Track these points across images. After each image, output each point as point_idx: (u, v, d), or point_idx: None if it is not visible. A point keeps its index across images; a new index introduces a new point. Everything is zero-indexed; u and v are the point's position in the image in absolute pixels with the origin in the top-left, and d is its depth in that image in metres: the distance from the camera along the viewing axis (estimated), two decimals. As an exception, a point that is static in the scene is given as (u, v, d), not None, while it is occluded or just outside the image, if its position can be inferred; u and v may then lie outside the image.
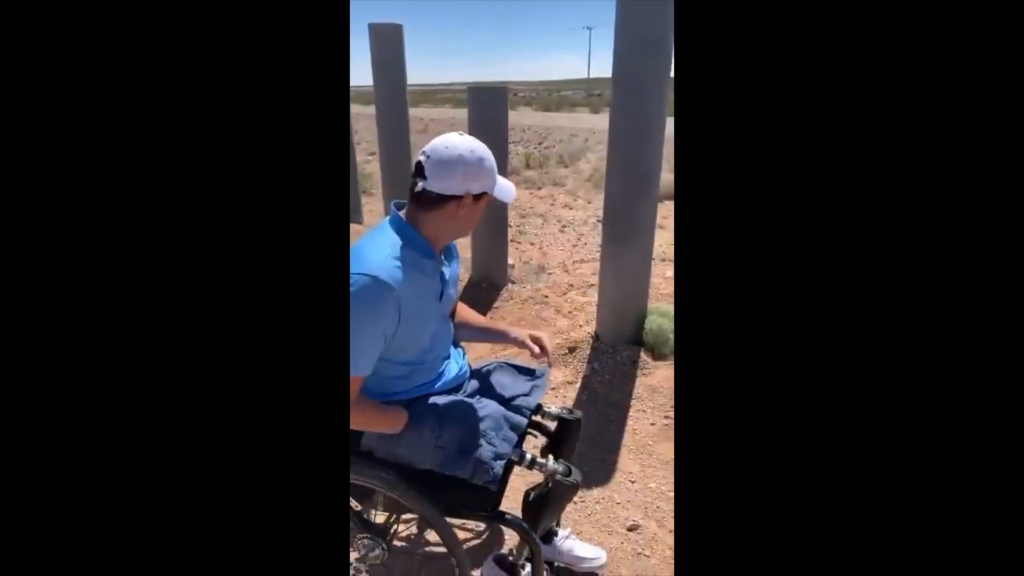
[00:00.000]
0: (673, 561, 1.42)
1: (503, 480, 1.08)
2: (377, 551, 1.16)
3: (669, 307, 2.59)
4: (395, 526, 1.23)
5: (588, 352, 2.33)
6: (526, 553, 1.28)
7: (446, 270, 1.08)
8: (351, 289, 0.86)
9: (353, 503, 1.23)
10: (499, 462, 1.05)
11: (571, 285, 3.31)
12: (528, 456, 1.10)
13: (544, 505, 1.13)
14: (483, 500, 1.07)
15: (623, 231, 2.17)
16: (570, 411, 1.30)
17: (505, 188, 1.04)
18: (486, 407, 1.10)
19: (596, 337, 2.38)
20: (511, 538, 1.43)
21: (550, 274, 3.53)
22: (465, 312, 1.30)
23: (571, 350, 2.37)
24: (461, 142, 0.95)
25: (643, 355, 2.23)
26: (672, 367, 2.17)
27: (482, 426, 1.06)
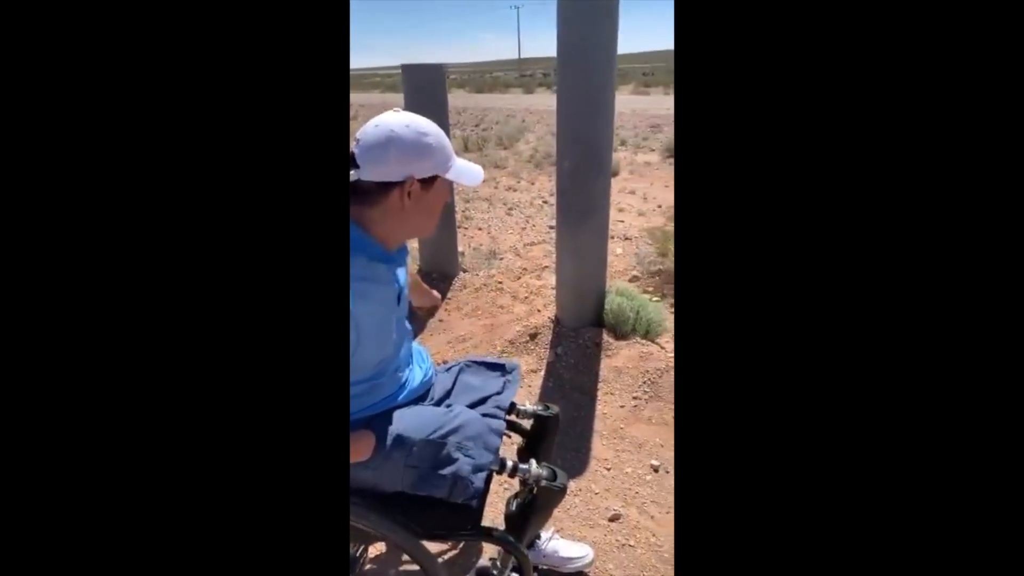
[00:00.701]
0: (658, 548, 1.39)
1: (484, 493, 0.98)
2: (346, 585, 1.04)
3: (625, 285, 2.56)
4: (363, 556, 1.11)
5: (550, 337, 2.26)
6: (512, 563, 1.20)
7: (400, 270, 0.95)
8: None
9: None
10: (479, 475, 0.95)
11: (524, 269, 3.22)
12: (509, 463, 1.00)
13: (530, 514, 1.04)
14: (464, 517, 0.97)
15: (577, 210, 2.10)
16: (546, 407, 1.21)
17: (466, 170, 0.90)
18: (459, 415, 0.99)
19: (557, 321, 2.32)
20: (490, 545, 1.34)
21: (501, 259, 3.43)
22: None
23: (532, 336, 2.29)
24: (394, 118, 0.81)
25: (605, 336, 2.19)
26: (635, 346, 2.14)
27: (457, 437, 0.96)
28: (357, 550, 1.09)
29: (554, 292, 2.76)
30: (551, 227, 4.15)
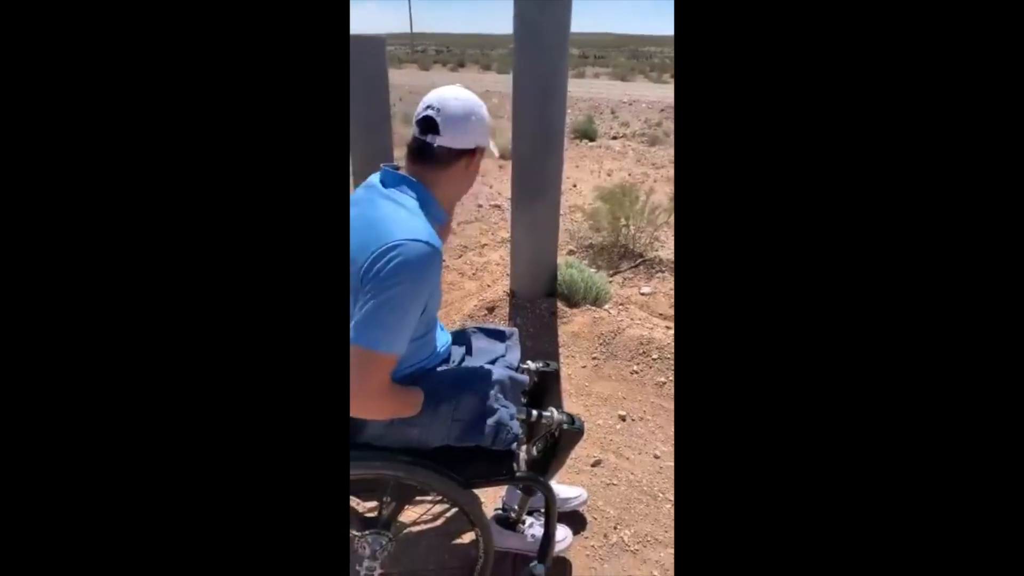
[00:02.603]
0: (637, 484, 1.58)
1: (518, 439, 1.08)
2: (383, 542, 1.09)
3: (570, 259, 2.73)
4: (388, 511, 1.15)
5: (507, 309, 2.37)
6: (528, 507, 1.31)
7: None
8: (405, 258, 0.79)
9: (353, 502, 1.13)
10: (515, 422, 1.04)
11: (464, 247, 3.28)
12: (534, 412, 1.11)
13: (553, 456, 1.16)
14: (500, 464, 1.06)
15: (533, 188, 2.21)
16: (547, 364, 1.33)
17: (494, 145, 1.03)
18: (492, 371, 1.07)
19: (512, 294, 2.43)
20: (493, 497, 1.44)
21: (438, 238, 3.45)
22: None
23: (490, 310, 2.39)
24: (468, 95, 0.92)
25: (560, 305, 2.34)
26: (587, 313, 2.32)
27: (494, 391, 1.04)
28: (382, 508, 1.13)
29: (499, 268, 2.86)
30: (479, 205, 4.22)
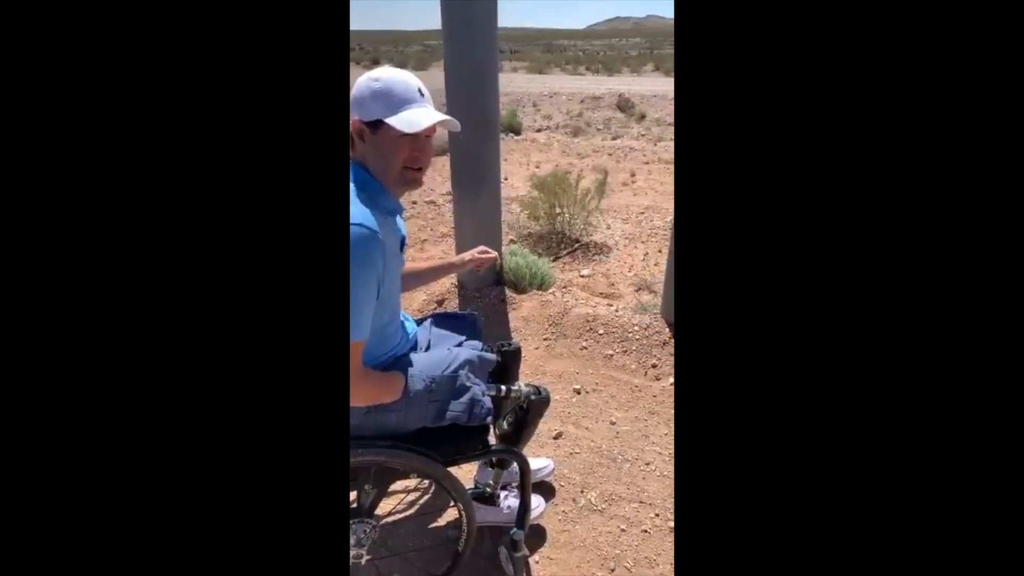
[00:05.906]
0: (599, 451, 1.68)
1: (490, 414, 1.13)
2: (367, 529, 1.11)
3: (514, 247, 2.80)
4: (369, 499, 1.17)
5: (457, 301, 2.40)
6: (502, 481, 1.37)
7: (400, 219, 1.03)
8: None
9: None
10: (487, 397, 1.10)
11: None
12: (503, 387, 1.16)
13: (523, 426, 1.22)
14: (475, 440, 1.11)
15: (473, 178, 2.25)
16: (508, 343, 1.39)
17: (410, 118, 0.88)
18: (460, 353, 1.12)
19: (460, 285, 2.46)
20: (467, 474, 1.49)
21: (376, 237, 3.41)
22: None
23: (439, 302, 2.41)
24: (367, 74, 0.91)
25: (508, 292, 2.41)
26: (535, 297, 2.40)
27: (465, 370, 1.09)
28: (361, 496, 1.14)
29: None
30: (414, 202, 4.19)
